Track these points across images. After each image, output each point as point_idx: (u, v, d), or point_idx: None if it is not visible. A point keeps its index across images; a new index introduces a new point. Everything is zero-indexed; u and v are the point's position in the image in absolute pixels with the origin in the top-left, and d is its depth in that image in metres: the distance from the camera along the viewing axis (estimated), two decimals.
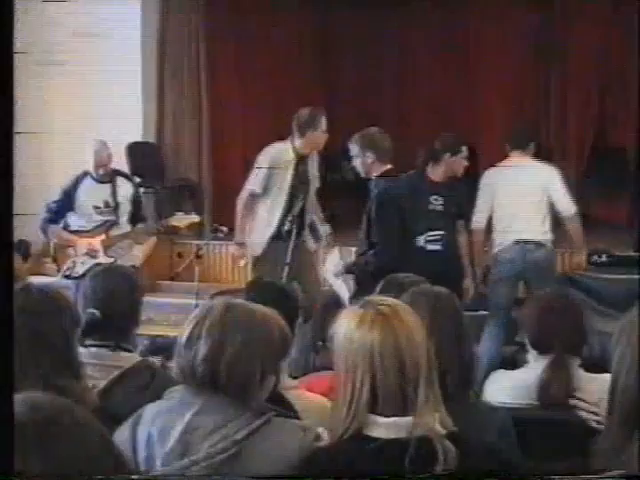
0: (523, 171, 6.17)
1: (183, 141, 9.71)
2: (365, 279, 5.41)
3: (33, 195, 8.45)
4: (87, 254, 6.35)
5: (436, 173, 6.06)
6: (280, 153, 6.38)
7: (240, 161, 10.21)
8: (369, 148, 5.73)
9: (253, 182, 6.39)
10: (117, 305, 3.11)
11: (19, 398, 1.27)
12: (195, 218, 6.73)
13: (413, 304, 2.67)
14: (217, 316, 2.20)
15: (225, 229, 6.76)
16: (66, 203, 6.45)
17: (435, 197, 6.00)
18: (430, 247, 5.85)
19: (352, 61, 11.07)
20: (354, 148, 5.78)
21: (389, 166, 5.76)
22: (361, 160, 5.74)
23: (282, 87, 10.49)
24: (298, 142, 6.37)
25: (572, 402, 2.48)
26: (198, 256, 6.70)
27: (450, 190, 6.07)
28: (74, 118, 9.24)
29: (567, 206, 6.15)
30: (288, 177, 6.36)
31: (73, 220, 6.44)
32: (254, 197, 6.37)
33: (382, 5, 10.44)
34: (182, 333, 2.25)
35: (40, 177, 8.89)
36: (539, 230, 6.13)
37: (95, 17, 9.19)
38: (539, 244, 6.10)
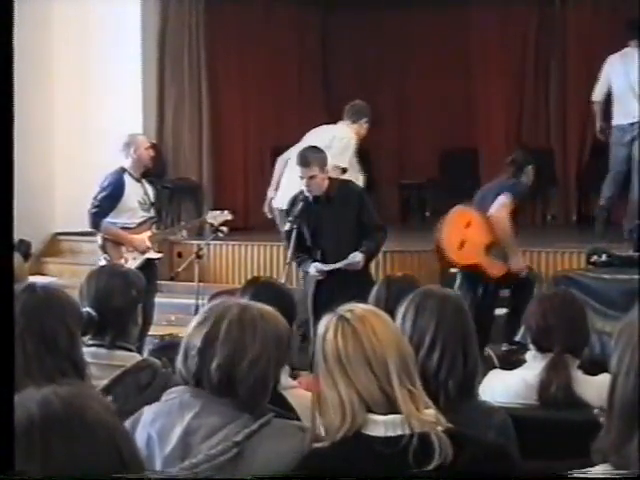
0: (632, 60, 7.58)
1: (183, 140, 9.71)
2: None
3: (34, 194, 8.48)
4: (140, 250, 6.39)
5: None
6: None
7: (240, 161, 10.24)
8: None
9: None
10: (112, 304, 3.10)
11: (28, 394, 1.25)
12: (228, 216, 6.70)
13: (420, 304, 2.68)
14: (235, 317, 2.16)
15: (225, 229, 6.72)
16: (115, 197, 6.38)
17: None
18: None
19: (353, 61, 11.08)
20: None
21: None
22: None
23: (282, 87, 10.49)
24: (354, 128, 6.76)
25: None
26: (198, 256, 6.67)
27: None
28: (74, 118, 9.25)
29: None
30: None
31: (118, 217, 6.41)
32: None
33: (383, 7, 10.46)
34: (193, 335, 2.20)
35: (41, 177, 8.91)
36: None
37: (95, 17, 9.21)
38: None
